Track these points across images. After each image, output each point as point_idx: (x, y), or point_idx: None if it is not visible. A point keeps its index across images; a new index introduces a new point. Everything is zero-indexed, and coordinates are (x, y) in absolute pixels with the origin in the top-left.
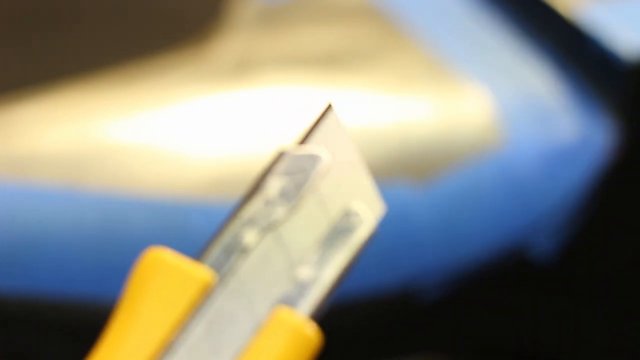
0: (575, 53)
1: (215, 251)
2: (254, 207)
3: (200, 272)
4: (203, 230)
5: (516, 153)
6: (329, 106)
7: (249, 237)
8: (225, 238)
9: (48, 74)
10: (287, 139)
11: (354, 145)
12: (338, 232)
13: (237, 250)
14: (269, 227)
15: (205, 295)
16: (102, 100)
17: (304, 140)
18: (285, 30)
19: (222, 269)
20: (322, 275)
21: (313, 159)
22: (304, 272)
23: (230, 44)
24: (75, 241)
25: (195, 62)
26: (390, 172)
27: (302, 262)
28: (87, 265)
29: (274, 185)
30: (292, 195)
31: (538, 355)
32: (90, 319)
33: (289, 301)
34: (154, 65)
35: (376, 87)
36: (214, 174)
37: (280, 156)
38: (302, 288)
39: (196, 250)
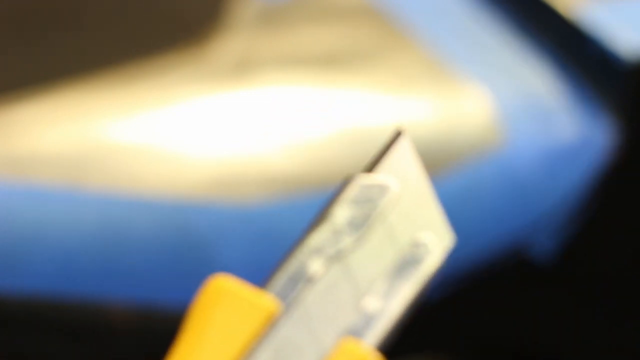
0: (575, 53)
1: (281, 280)
2: (321, 235)
3: (265, 301)
4: (203, 230)
5: (516, 153)
6: (400, 132)
7: (315, 266)
8: (291, 267)
9: (48, 74)
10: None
11: (423, 173)
12: (406, 263)
13: (302, 279)
14: (336, 257)
15: (271, 325)
16: (102, 100)
17: (374, 166)
18: (285, 30)
19: (287, 298)
20: (389, 307)
21: (382, 188)
22: (371, 303)
23: (230, 44)
24: (75, 241)
25: (195, 62)
26: None
27: (369, 292)
28: (87, 265)
29: (341, 214)
30: (360, 225)
31: (538, 355)
32: (90, 319)
33: (355, 332)
34: (154, 65)
35: (376, 87)
36: (214, 174)
37: (348, 184)
38: (368, 319)
39: (195, 250)
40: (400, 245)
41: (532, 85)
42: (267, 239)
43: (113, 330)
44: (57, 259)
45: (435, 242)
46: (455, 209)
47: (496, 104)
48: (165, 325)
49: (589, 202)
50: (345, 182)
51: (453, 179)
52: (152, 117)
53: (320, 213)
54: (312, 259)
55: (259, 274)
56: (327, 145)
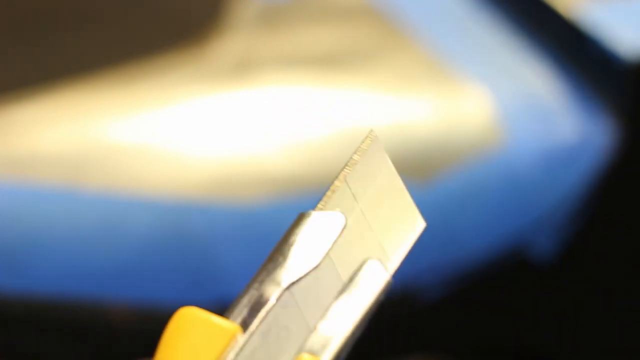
0: (575, 53)
1: (240, 307)
2: (276, 266)
3: (227, 324)
4: (203, 230)
5: (516, 153)
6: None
7: (271, 294)
8: (249, 295)
9: (48, 74)
10: (288, 140)
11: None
12: (355, 285)
13: (260, 306)
14: (292, 284)
15: (233, 346)
16: (102, 100)
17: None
18: (285, 30)
19: (247, 323)
20: (341, 328)
21: (332, 221)
22: (324, 325)
23: (230, 44)
24: (75, 241)
25: (195, 62)
26: None
27: (323, 315)
28: (87, 265)
29: (295, 246)
30: (313, 256)
31: (538, 355)
32: (90, 319)
33: (311, 351)
34: (154, 65)
35: (376, 87)
36: (214, 174)
37: (301, 219)
38: (323, 339)
39: (195, 250)
40: (349, 269)
41: (532, 85)
42: (267, 239)
43: (113, 330)
44: (57, 258)
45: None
46: (455, 209)
47: (496, 104)
48: (165, 326)
49: (589, 202)
50: (298, 218)
51: (453, 178)
52: (152, 117)
53: (275, 247)
54: (268, 287)
55: None
56: (327, 145)
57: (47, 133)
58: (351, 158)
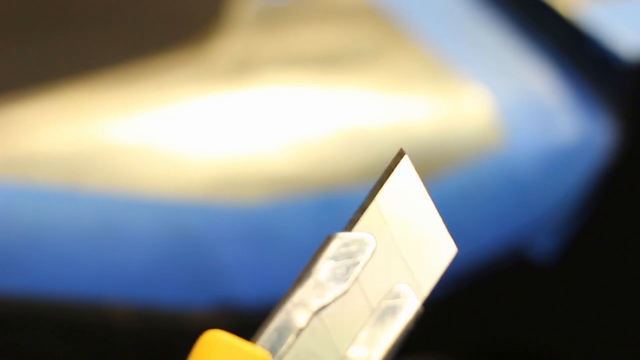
0: (575, 53)
1: (269, 332)
2: (305, 290)
3: (256, 351)
4: (203, 230)
5: (516, 153)
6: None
7: (301, 318)
8: (278, 320)
9: (48, 74)
10: (287, 139)
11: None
12: (385, 312)
13: (289, 331)
14: (321, 309)
15: None
16: (102, 100)
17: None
18: (285, 30)
19: (276, 349)
20: (371, 355)
21: (361, 244)
22: (354, 351)
23: (230, 44)
24: (75, 241)
25: (195, 62)
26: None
27: (353, 341)
28: (87, 265)
29: (324, 270)
30: (342, 279)
31: (538, 355)
32: (90, 319)
33: None
34: (154, 65)
35: (376, 87)
36: (214, 174)
37: (329, 241)
38: None
39: (195, 250)
40: (379, 295)
41: (532, 85)
42: (267, 239)
43: (113, 330)
44: (57, 258)
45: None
46: (455, 209)
47: (496, 104)
48: (165, 325)
49: (589, 202)
50: (327, 240)
51: (453, 179)
52: (152, 117)
53: (304, 268)
54: (297, 312)
55: (259, 273)
56: (327, 145)
57: (47, 133)
58: (381, 177)
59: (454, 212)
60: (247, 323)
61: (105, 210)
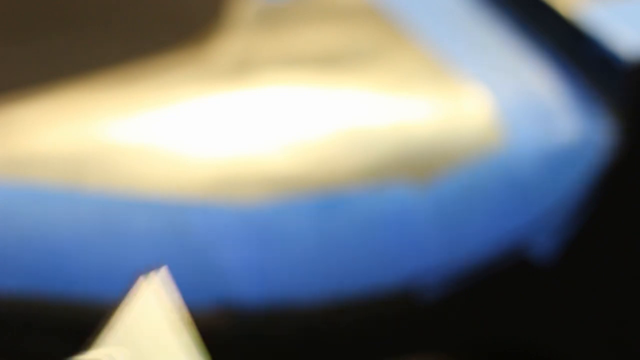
0: (575, 53)
1: None
2: None
3: None
4: (203, 230)
5: (516, 153)
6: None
7: None
8: None
9: (48, 74)
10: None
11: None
12: None
13: None
14: None
15: None
16: (102, 100)
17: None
18: (285, 30)
19: None
20: None
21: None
22: None
23: (230, 44)
24: (75, 241)
25: (195, 62)
26: (390, 172)
27: None
28: (87, 265)
29: None
30: None
31: (538, 355)
32: (90, 319)
33: None
34: (154, 65)
35: (376, 87)
36: (214, 174)
37: None
38: None
39: (195, 250)
40: None
41: (532, 85)
42: (267, 239)
43: None
44: (57, 258)
45: None
46: (455, 209)
47: (496, 104)
48: None
49: (589, 202)
50: None
51: (453, 178)
52: (152, 117)
53: None
54: None
55: (259, 273)
56: (327, 145)
57: (47, 133)
58: (127, 298)
59: (453, 212)
60: (247, 323)
61: (105, 210)
